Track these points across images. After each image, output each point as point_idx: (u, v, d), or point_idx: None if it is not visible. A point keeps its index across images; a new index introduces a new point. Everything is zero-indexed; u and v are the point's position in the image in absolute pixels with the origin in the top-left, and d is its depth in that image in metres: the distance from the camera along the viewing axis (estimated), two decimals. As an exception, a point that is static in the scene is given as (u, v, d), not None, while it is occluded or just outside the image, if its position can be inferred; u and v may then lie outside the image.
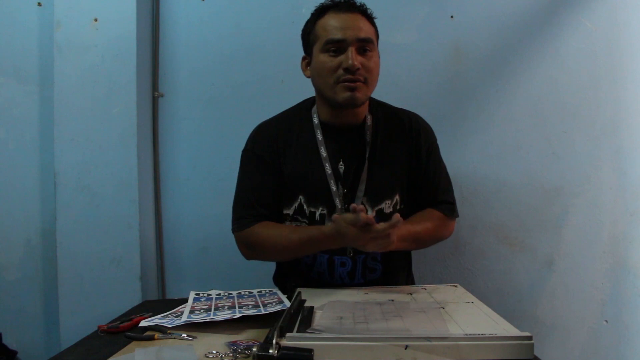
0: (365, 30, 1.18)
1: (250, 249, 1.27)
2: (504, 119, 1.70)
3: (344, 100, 1.19)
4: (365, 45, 1.18)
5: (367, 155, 1.25)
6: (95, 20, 1.55)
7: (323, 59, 1.18)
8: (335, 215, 1.12)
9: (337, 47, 1.17)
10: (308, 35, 1.24)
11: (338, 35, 1.16)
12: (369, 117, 1.28)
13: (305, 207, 1.26)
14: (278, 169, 1.28)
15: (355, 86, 1.17)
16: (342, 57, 1.16)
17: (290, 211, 1.27)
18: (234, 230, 1.28)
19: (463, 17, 1.69)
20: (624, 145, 1.67)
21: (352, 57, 1.15)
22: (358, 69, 1.16)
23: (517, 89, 1.70)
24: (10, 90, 1.64)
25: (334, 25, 1.18)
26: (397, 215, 1.04)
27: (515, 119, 1.70)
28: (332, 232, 1.12)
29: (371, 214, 1.24)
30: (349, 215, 1.07)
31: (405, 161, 1.28)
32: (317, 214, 1.25)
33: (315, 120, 1.28)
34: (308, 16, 1.25)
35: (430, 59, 1.70)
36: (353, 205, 1.07)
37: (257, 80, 1.71)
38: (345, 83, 1.17)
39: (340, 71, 1.17)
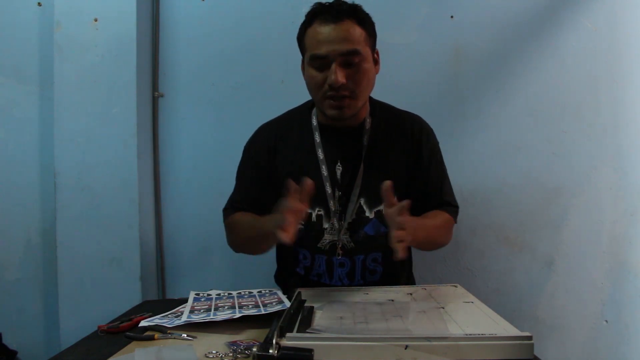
0: (351, 40, 1.13)
1: (228, 237, 1.31)
2: (504, 119, 1.70)
3: (332, 116, 1.19)
4: (351, 58, 1.14)
5: (362, 159, 1.24)
6: (95, 20, 1.55)
7: (310, 72, 1.17)
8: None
9: (321, 62, 1.15)
10: (300, 41, 1.23)
11: (321, 50, 1.13)
12: (368, 120, 1.27)
13: None
14: (272, 170, 1.29)
15: (341, 104, 1.16)
16: (327, 73, 1.14)
17: None
18: (223, 221, 1.33)
19: (463, 17, 1.70)
20: (624, 145, 1.67)
21: (335, 74, 1.12)
22: (342, 84, 1.13)
23: (517, 89, 1.70)
24: (10, 90, 1.64)
25: (318, 39, 1.14)
26: (406, 202, 0.97)
27: (515, 119, 1.70)
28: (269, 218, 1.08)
29: (369, 215, 1.24)
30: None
31: (405, 164, 1.28)
32: (314, 215, 1.25)
33: (314, 122, 1.28)
34: (308, 16, 1.25)
35: (430, 59, 1.70)
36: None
37: (257, 80, 1.71)
38: (331, 101, 1.16)
39: (326, 86, 1.15)
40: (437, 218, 1.25)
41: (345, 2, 1.18)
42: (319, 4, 1.19)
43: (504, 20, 1.69)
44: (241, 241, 1.29)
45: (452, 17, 1.70)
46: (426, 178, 1.29)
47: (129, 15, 1.56)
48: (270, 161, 1.29)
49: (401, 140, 1.28)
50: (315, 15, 1.17)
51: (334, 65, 1.13)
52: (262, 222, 1.15)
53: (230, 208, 1.32)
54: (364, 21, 1.18)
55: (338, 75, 1.12)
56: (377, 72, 1.23)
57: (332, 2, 1.18)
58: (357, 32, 1.15)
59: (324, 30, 1.13)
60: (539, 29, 1.69)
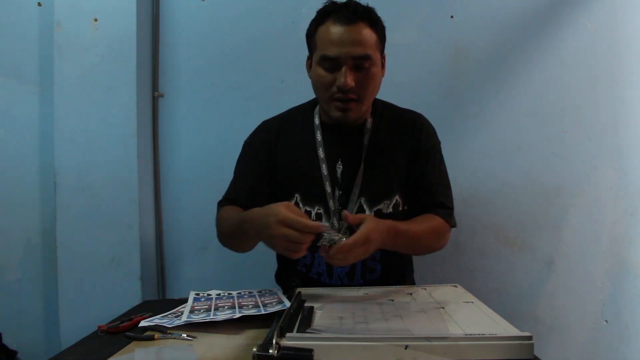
0: (363, 44, 1.12)
1: (217, 232, 1.27)
2: (504, 119, 1.70)
3: (337, 119, 1.20)
4: (362, 63, 1.14)
5: (362, 158, 1.24)
6: (95, 20, 1.55)
7: (319, 72, 1.17)
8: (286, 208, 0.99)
9: (332, 64, 1.14)
10: (310, 38, 1.22)
11: (333, 52, 1.13)
12: (369, 120, 1.27)
13: (301, 205, 1.26)
14: (271, 167, 1.29)
15: (348, 107, 1.17)
16: (336, 74, 1.14)
17: None
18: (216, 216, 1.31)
19: (463, 17, 1.70)
20: (624, 145, 1.67)
21: (345, 77, 1.12)
22: (351, 87, 1.13)
23: (517, 89, 1.70)
24: (10, 90, 1.64)
25: (330, 39, 1.13)
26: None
27: (515, 119, 1.70)
28: (262, 212, 1.02)
29: (369, 214, 1.24)
30: (291, 214, 0.96)
31: (406, 162, 1.28)
32: (313, 213, 1.25)
33: (317, 121, 1.29)
34: (308, 16, 1.22)
35: (430, 59, 1.70)
36: (345, 212, 1.05)
37: (257, 80, 1.71)
38: (338, 103, 1.16)
39: (334, 88, 1.15)
40: (424, 223, 1.21)
41: (359, 3, 1.17)
42: (332, 2, 1.18)
43: (504, 20, 1.69)
44: (226, 235, 1.25)
45: (452, 17, 1.70)
46: (420, 176, 1.27)
47: (129, 15, 1.56)
48: (270, 157, 1.29)
49: (402, 138, 1.28)
50: (328, 14, 1.16)
51: (344, 69, 1.13)
52: (249, 223, 1.08)
53: (224, 200, 1.30)
54: (377, 24, 1.17)
55: (348, 79, 1.12)
56: (382, 76, 1.23)
57: (346, 2, 1.17)
58: (370, 35, 1.14)
59: (337, 31, 1.13)
60: (539, 29, 1.69)
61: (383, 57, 1.23)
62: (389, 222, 1.10)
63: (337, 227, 1.24)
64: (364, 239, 0.99)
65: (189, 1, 1.71)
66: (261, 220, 1.01)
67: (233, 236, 1.22)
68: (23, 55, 1.64)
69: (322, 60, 1.15)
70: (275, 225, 0.96)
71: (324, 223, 1.24)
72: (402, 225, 1.14)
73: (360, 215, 1.07)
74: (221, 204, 1.31)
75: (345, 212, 1.07)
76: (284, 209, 0.97)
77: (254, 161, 1.31)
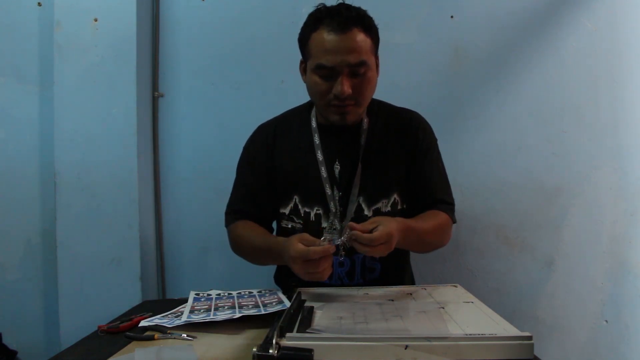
0: (358, 51, 1.12)
1: (233, 245, 1.32)
2: (504, 119, 1.70)
3: (335, 122, 1.21)
4: (358, 69, 1.14)
5: (360, 158, 1.25)
6: (95, 20, 1.55)
7: (315, 79, 1.17)
8: (300, 240, 1.04)
9: (328, 72, 1.14)
10: (303, 44, 1.21)
11: (329, 62, 1.12)
12: (365, 120, 1.28)
13: (300, 207, 1.26)
14: (270, 169, 1.29)
15: (345, 111, 1.18)
16: (333, 82, 1.14)
17: (287, 210, 1.28)
18: (225, 225, 1.34)
19: (463, 17, 1.70)
20: (624, 145, 1.67)
21: (342, 85, 1.12)
22: (348, 95, 1.14)
23: (517, 89, 1.70)
24: (10, 90, 1.64)
25: (325, 48, 1.12)
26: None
27: (515, 119, 1.70)
28: (282, 247, 1.09)
29: (368, 213, 1.24)
30: (301, 247, 1.01)
31: (403, 160, 1.28)
32: (312, 214, 1.26)
33: (314, 123, 1.29)
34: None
35: (430, 59, 1.70)
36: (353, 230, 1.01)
37: (257, 80, 1.71)
38: (335, 108, 1.18)
39: (331, 95, 1.15)
40: (431, 220, 1.22)
41: (351, 7, 1.16)
42: (324, 7, 1.17)
43: (504, 20, 1.69)
44: (248, 254, 1.29)
45: (452, 17, 1.70)
46: (419, 174, 1.28)
47: (129, 15, 1.56)
48: (269, 160, 1.30)
49: (399, 137, 1.28)
50: (320, 21, 1.14)
51: (341, 77, 1.13)
52: (276, 247, 1.15)
53: (233, 213, 1.32)
54: (371, 28, 1.16)
55: (345, 87, 1.13)
56: (377, 76, 1.23)
57: (339, 7, 1.15)
58: (364, 41, 1.14)
59: (331, 39, 1.12)
60: (539, 29, 1.69)
61: (377, 58, 1.22)
62: (401, 220, 1.12)
63: (338, 228, 1.24)
64: (386, 237, 1.00)
65: (189, 1, 1.71)
66: (283, 257, 1.08)
67: (256, 254, 1.27)
68: (23, 55, 1.64)
69: (317, 68, 1.15)
70: (292, 263, 1.04)
71: (324, 225, 1.25)
72: (412, 223, 1.15)
73: (371, 221, 1.04)
74: (230, 215, 1.32)
75: (355, 230, 1.02)
76: (293, 245, 1.02)
77: (252, 166, 1.32)
